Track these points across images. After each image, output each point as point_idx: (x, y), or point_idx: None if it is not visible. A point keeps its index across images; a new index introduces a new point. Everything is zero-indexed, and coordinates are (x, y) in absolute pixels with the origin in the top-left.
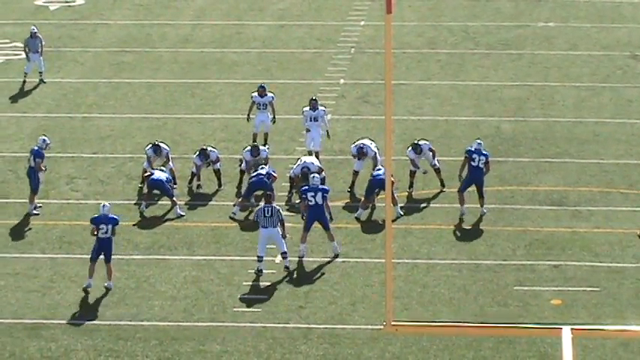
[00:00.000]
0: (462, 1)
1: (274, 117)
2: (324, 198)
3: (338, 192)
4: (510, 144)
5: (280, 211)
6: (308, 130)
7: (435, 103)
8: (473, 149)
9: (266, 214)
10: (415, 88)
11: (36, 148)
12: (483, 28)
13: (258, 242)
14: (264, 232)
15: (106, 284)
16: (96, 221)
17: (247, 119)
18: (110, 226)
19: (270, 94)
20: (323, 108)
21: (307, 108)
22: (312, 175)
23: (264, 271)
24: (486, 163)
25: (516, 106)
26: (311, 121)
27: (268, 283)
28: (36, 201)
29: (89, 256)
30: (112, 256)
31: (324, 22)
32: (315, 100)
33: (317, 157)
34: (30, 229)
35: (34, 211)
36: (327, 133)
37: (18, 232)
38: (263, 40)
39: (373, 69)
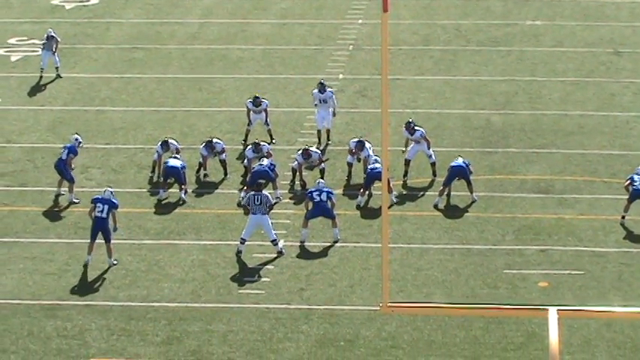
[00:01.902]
0: (454, 1)
1: (267, 121)
2: (329, 198)
3: (337, 180)
4: (500, 135)
5: (269, 197)
6: (317, 105)
7: (429, 97)
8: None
9: (256, 202)
10: (410, 82)
11: (69, 145)
12: (474, 26)
13: (246, 226)
14: (253, 218)
15: (108, 262)
16: (95, 200)
17: (249, 123)
18: (106, 207)
19: (264, 102)
20: (330, 89)
21: (316, 90)
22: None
23: (266, 254)
24: (468, 165)
25: (505, 100)
26: (320, 102)
27: (271, 267)
28: (61, 189)
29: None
30: (125, 241)
31: (324, 21)
32: (322, 83)
33: (328, 134)
34: (70, 214)
35: (74, 200)
36: (334, 112)
37: (35, 219)
38: (266, 37)
39: (370, 65)
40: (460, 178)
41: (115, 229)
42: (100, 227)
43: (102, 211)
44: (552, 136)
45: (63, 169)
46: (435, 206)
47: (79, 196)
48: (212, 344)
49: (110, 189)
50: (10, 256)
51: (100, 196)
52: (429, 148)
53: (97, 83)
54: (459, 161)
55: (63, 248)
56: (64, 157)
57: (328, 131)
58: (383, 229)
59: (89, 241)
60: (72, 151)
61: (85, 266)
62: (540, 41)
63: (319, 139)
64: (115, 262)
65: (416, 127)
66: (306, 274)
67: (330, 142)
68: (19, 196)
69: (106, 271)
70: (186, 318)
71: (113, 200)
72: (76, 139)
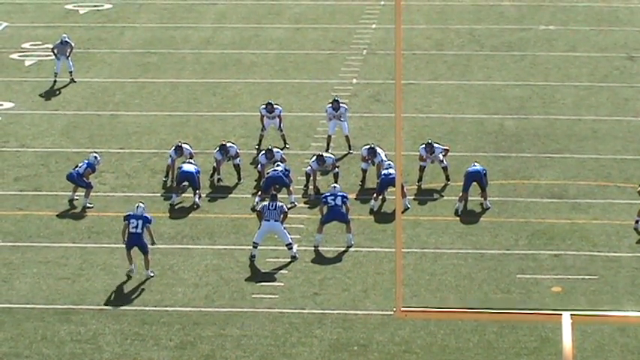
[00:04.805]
0: (467, 6)
1: (281, 126)
2: (343, 202)
3: (350, 185)
4: (513, 140)
5: (284, 206)
6: (330, 119)
7: (443, 101)
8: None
9: (270, 208)
10: (424, 87)
11: (88, 161)
12: (488, 31)
13: (258, 231)
14: (266, 224)
15: (146, 274)
16: (128, 217)
17: (262, 129)
18: (140, 222)
19: (278, 108)
20: (344, 105)
21: (329, 107)
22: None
23: (280, 259)
24: (485, 174)
25: (519, 105)
26: (334, 118)
27: (285, 271)
28: (75, 194)
29: (120, 246)
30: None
31: (338, 25)
32: (337, 100)
33: (348, 143)
34: (84, 219)
35: (88, 205)
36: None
37: (49, 223)
38: (280, 42)
39: (384, 69)
40: (476, 181)
41: (153, 243)
42: (136, 242)
43: (136, 227)
44: (566, 141)
45: (77, 180)
46: (456, 212)
47: (93, 201)
48: (226, 349)
49: (142, 205)
50: (23, 260)
51: (132, 213)
52: (444, 156)
53: (111, 88)
54: (476, 167)
55: (77, 253)
56: (81, 170)
57: (348, 139)
58: (397, 233)
59: (126, 253)
60: (90, 166)
61: (129, 275)
62: (554, 46)
63: (328, 145)
64: (152, 274)
65: (435, 146)
66: (320, 278)
67: (352, 151)
68: (32, 200)
69: (119, 276)
70: (199, 322)
71: (147, 215)
72: (95, 157)
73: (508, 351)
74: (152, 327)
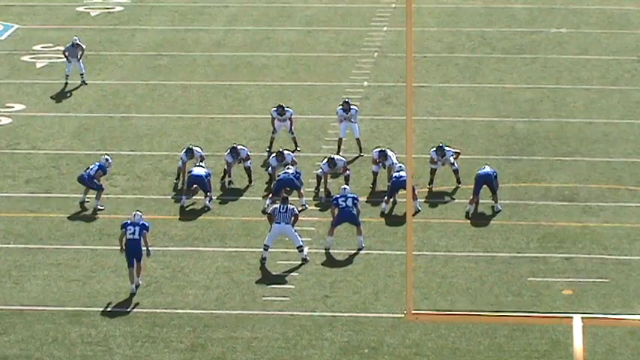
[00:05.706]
0: (479, 8)
1: (292, 129)
2: (354, 204)
3: (362, 188)
4: (524, 143)
5: (295, 209)
6: (341, 121)
7: (454, 104)
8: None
9: (281, 210)
10: (435, 90)
11: (100, 163)
12: (499, 34)
13: (269, 233)
14: (277, 226)
15: (135, 281)
16: (125, 225)
17: (273, 131)
18: (138, 228)
19: (289, 111)
20: (355, 107)
21: (340, 109)
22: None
23: (291, 262)
24: (495, 176)
25: (530, 108)
26: (345, 120)
27: (296, 274)
28: (86, 196)
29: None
30: (150, 248)
31: (349, 28)
32: (347, 102)
33: (360, 146)
34: (96, 220)
35: (100, 207)
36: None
37: (60, 225)
38: (291, 44)
39: (395, 72)
40: (486, 184)
41: (149, 254)
42: (134, 248)
43: (134, 233)
44: (577, 144)
45: (88, 181)
46: (467, 214)
47: (104, 203)
48: (236, 351)
49: (139, 213)
50: (34, 262)
51: (129, 221)
52: (455, 159)
53: (122, 90)
54: (487, 169)
55: (87, 255)
56: (92, 172)
57: (359, 141)
58: (407, 236)
59: (127, 269)
60: (102, 168)
61: (132, 295)
62: (565, 49)
63: (339, 148)
64: (140, 281)
65: (446, 149)
66: (331, 281)
67: (362, 154)
68: (44, 202)
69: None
70: (210, 325)
71: (144, 222)
72: (106, 159)
73: (519, 354)
74: (163, 329)
